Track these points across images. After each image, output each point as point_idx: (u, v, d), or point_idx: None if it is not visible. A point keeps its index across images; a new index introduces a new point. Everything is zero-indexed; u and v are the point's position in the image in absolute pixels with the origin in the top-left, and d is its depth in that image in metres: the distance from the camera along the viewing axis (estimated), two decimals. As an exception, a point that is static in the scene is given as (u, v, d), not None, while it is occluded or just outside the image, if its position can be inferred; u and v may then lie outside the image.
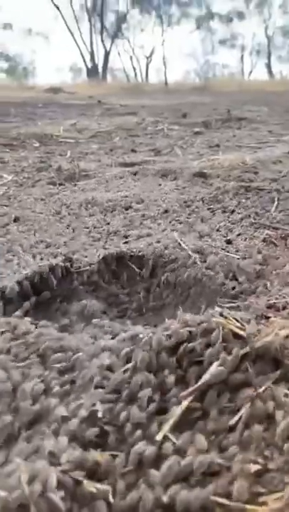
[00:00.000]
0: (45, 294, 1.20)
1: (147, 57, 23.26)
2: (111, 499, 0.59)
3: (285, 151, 3.23)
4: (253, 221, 1.74)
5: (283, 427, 0.69)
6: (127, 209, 1.95)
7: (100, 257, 1.35)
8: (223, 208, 1.94)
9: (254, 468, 0.62)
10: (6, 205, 2.04)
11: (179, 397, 0.76)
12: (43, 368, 0.84)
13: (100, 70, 20.99)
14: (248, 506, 0.56)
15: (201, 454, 0.65)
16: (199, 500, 0.58)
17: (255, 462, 0.64)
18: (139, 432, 0.70)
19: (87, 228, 1.70)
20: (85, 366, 0.84)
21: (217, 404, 0.76)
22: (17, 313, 1.11)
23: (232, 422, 0.71)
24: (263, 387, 0.76)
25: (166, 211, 1.89)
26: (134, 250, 1.40)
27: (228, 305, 1.08)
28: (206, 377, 0.79)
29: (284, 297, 1.05)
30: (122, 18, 22.67)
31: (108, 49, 21.54)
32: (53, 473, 0.57)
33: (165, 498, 0.58)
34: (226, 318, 0.91)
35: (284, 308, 1.02)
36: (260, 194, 2.12)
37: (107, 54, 21.36)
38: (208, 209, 1.93)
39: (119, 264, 1.38)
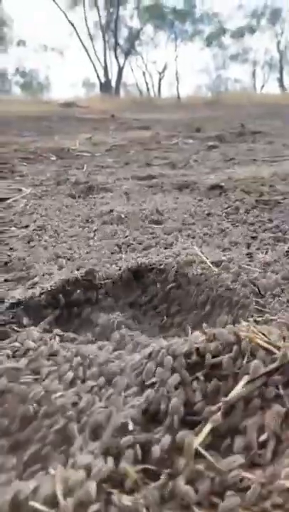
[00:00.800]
0: (68, 306, 1.21)
1: (160, 73, 23.60)
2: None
3: (301, 165, 3.24)
4: (273, 235, 1.73)
5: (316, 444, 0.68)
6: (145, 222, 1.96)
7: (121, 270, 1.36)
8: (241, 221, 1.95)
9: (288, 484, 0.61)
10: (26, 218, 2.07)
11: (208, 413, 0.75)
12: (73, 381, 0.85)
13: (113, 84, 21.36)
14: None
15: (233, 470, 0.65)
16: (234, 517, 0.57)
17: (290, 479, 0.63)
18: (170, 447, 0.69)
19: (108, 241, 1.71)
20: (114, 382, 0.84)
21: (247, 419, 0.75)
22: (41, 324, 1.12)
23: (263, 437, 0.71)
24: (294, 403, 0.76)
25: (184, 224, 1.90)
26: (155, 263, 1.41)
27: (252, 318, 1.07)
28: (234, 392, 0.79)
29: (310, 311, 1.04)
30: (135, 35, 23.13)
31: (122, 64, 21.96)
32: (91, 485, 0.57)
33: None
34: (253, 332, 0.91)
35: (310, 322, 1.01)
36: (278, 208, 2.11)
37: (120, 69, 21.76)
38: (227, 222, 1.93)
39: (140, 277, 1.38)
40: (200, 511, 0.58)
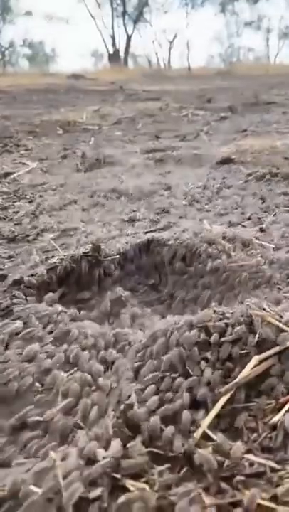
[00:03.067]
0: (73, 282, 1.18)
1: (170, 42, 22.80)
2: (148, 497, 0.57)
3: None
4: (286, 208, 1.67)
5: None
6: (153, 197, 1.90)
7: (129, 246, 1.32)
8: (253, 194, 1.88)
9: (300, 470, 0.59)
10: (32, 193, 2.03)
11: (218, 393, 0.72)
12: (80, 360, 0.82)
13: (122, 55, 20.73)
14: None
15: (242, 454, 0.62)
16: (244, 501, 0.55)
17: (302, 464, 0.60)
18: (176, 429, 0.67)
19: (115, 216, 1.66)
20: (119, 361, 0.81)
21: (257, 400, 0.72)
22: (45, 301, 1.09)
23: (275, 419, 0.68)
24: (307, 384, 0.72)
25: (194, 199, 1.84)
26: (164, 239, 1.36)
27: (264, 296, 1.03)
28: (244, 372, 0.75)
29: None
30: (144, 1, 22.23)
31: (130, 33, 21.23)
32: (88, 471, 0.55)
33: (208, 501, 0.55)
34: (264, 309, 0.87)
35: None
36: (291, 180, 2.03)
37: (128, 38, 21.05)
38: (238, 196, 1.87)
39: (148, 253, 1.34)
40: (207, 497, 0.55)
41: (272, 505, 0.55)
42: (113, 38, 20.89)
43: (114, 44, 20.78)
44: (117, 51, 20.37)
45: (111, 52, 20.52)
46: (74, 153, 2.85)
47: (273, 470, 0.59)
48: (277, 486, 0.57)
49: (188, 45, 26.11)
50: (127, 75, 14.99)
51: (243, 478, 0.59)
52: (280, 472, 0.59)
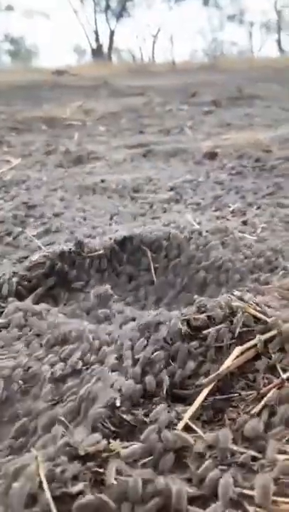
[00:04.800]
0: (57, 279, 1.17)
1: (154, 36, 22.69)
2: (130, 490, 0.57)
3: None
4: (269, 201, 1.68)
5: (310, 415, 0.65)
6: (137, 191, 1.90)
7: (112, 241, 1.32)
8: (236, 188, 1.89)
9: (282, 458, 0.59)
10: (15, 190, 2.01)
11: (200, 385, 0.73)
12: (57, 354, 0.82)
13: (105, 50, 20.57)
14: (278, 499, 0.54)
15: (225, 444, 0.62)
16: (227, 492, 0.55)
17: (283, 452, 0.61)
18: (159, 421, 0.67)
19: (99, 211, 1.66)
20: (101, 354, 0.81)
21: (239, 391, 0.73)
22: (29, 298, 1.09)
23: (256, 410, 0.68)
24: (287, 373, 0.73)
25: (178, 193, 1.84)
26: (147, 233, 1.36)
27: (246, 288, 1.04)
28: (226, 363, 0.76)
29: (305, 279, 1.01)
30: (127, -5, 22.07)
31: (113, 28, 21.07)
32: (70, 466, 0.55)
33: (190, 490, 0.55)
34: (246, 302, 0.88)
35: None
36: (274, 173, 2.05)
37: (111, 33, 20.89)
38: (222, 189, 1.87)
39: (132, 248, 1.34)
40: (191, 488, 0.56)
41: (254, 493, 0.56)
42: (96, 33, 20.71)
43: (97, 39, 20.61)
44: (100, 46, 20.20)
45: (94, 47, 20.34)
46: (58, 150, 2.83)
47: (254, 459, 0.60)
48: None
49: (172, 39, 25.98)
50: (111, 70, 14.88)
51: (225, 467, 0.59)
52: (260, 461, 0.59)
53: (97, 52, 19.90)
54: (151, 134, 3.38)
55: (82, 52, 25.29)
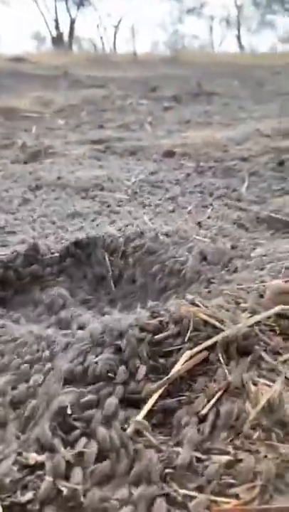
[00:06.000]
0: (11, 282, 1.16)
1: (115, 27, 22.41)
2: (81, 498, 0.58)
3: (255, 128, 3.22)
4: (224, 202, 1.73)
5: (253, 416, 0.69)
6: (95, 190, 1.90)
7: (68, 243, 1.32)
8: (193, 188, 1.93)
9: (224, 458, 0.63)
10: None
11: (150, 390, 0.75)
12: (8, 361, 0.82)
13: (66, 39, 20.09)
14: (219, 499, 0.57)
15: (172, 447, 0.65)
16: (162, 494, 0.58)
17: (226, 452, 0.64)
18: (109, 427, 0.69)
19: (56, 211, 1.64)
20: (53, 359, 0.82)
21: (188, 394, 0.76)
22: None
23: (202, 412, 0.72)
24: (234, 376, 0.77)
25: (135, 193, 1.86)
26: (104, 235, 1.37)
27: (199, 291, 1.07)
28: (176, 367, 0.79)
29: (255, 283, 1.06)
30: (87, -17, 21.60)
31: (74, 17, 20.60)
32: (20, 475, 0.56)
33: (135, 494, 0.58)
34: (196, 306, 0.91)
35: (254, 294, 1.02)
36: (230, 174, 2.11)
37: (72, 22, 20.43)
38: (179, 189, 1.91)
39: (89, 250, 1.34)
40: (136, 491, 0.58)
41: (196, 494, 0.59)
42: (56, 21, 20.17)
43: (57, 27, 20.08)
44: (60, 34, 19.70)
45: (54, 35, 19.81)
46: (14, 143, 2.76)
47: (199, 460, 0.63)
48: (202, 475, 0.61)
49: (133, 30, 25.81)
50: (72, 58, 14.58)
51: (171, 470, 0.62)
52: (205, 462, 0.63)
53: (57, 40, 19.40)
54: (111, 129, 3.37)
55: (42, 40, 24.59)
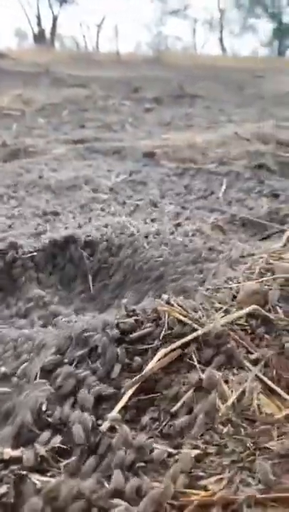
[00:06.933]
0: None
1: (98, 25, 22.33)
2: (54, 492, 0.60)
3: (233, 131, 3.28)
4: (202, 205, 1.76)
5: (223, 412, 0.72)
6: (75, 190, 1.90)
7: (48, 242, 1.32)
8: (172, 190, 1.95)
9: (194, 452, 0.65)
10: None
11: (124, 387, 0.77)
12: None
13: (48, 36, 19.88)
14: (188, 490, 0.59)
15: (145, 442, 0.67)
16: (142, 487, 0.60)
17: (196, 447, 0.67)
18: (84, 423, 0.70)
19: (35, 211, 1.65)
20: (29, 358, 0.83)
21: (161, 391, 0.78)
22: None
23: (175, 408, 0.74)
24: (206, 373, 0.79)
25: (116, 193, 1.87)
26: (83, 235, 1.38)
27: (174, 291, 1.10)
28: (150, 365, 0.81)
29: (228, 283, 1.09)
30: (71, -20, 21.44)
31: (56, 13, 20.42)
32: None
33: (109, 485, 0.60)
34: (171, 305, 0.93)
35: (227, 294, 1.05)
36: (208, 177, 2.14)
37: (54, 19, 20.25)
38: (158, 191, 1.93)
39: (67, 249, 1.35)
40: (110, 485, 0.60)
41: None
42: (38, 17, 19.94)
43: (39, 24, 19.85)
44: (42, 31, 19.48)
45: (36, 32, 19.59)
46: (-6, 141, 2.74)
47: (170, 455, 0.66)
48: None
49: (116, 29, 25.78)
50: (54, 56, 14.45)
51: (143, 464, 0.64)
52: (175, 456, 0.65)
53: (39, 37, 19.18)
54: (92, 129, 3.37)
55: (24, 36, 24.27)
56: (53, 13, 19.97)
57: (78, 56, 14.84)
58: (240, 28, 24.18)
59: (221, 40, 24.79)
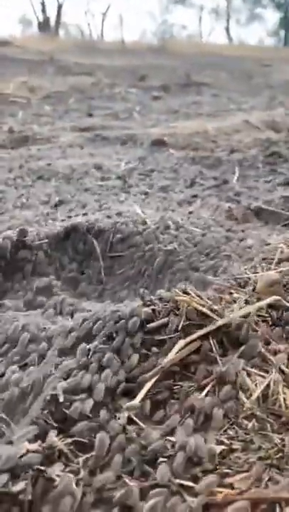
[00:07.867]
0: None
1: (103, 14, 22.04)
2: (74, 487, 0.57)
3: (244, 119, 3.22)
4: (214, 193, 1.72)
5: (247, 406, 0.69)
6: (84, 178, 1.86)
7: (57, 230, 1.29)
8: (183, 178, 1.91)
9: (219, 449, 0.63)
10: None
11: (143, 379, 0.74)
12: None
13: (52, 23, 19.66)
14: (214, 489, 0.56)
15: (164, 437, 0.65)
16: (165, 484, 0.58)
17: (220, 443, 0.64)
18: (102, 415, 0.67)
19: (44, 198, 1.61)
20: (43, 349, 0.80)
21: (181, 383, 0.75)
22: None
23: (196, 402, 0.71)
24: (227, 366, 0.76)
25: (126, 181, 1.83)
26: (93, 223, 1.34)
27: (191, 280, 1.06)
28: (169, 357, 0.78)
29: (246, 273, 1.05)
30: None
31: (61, 1, 20.16)
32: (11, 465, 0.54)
33: (129, 481, 0.57)
34: (189, 295, 0.90)
35: (245, 284, 1.01)
36: (220, 165, 2.10)
37: (59, 7, 20.00)
38: (169, 179, 1.89)
39: (77, 237, 1.31)
40: (131, 482, 0.57)
41: (192, 484, 0.58)
42: (43, 5, 19.72)
43: (44, 11, 19.63)
44: (47, 19, 19.27)
45: (41, 20, 19.38)
46: (0, 128, 2.69)
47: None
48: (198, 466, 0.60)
49: (121, 17, 25.42)
50: (58, 44, 14.29)
51: (165, 460, 0.61)
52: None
53: (43, 25, 18.98)
54: (100, 117, 3.32)
55: (28, 24, 24.03)
56: (58, 0, 19.74)
57: (83, 44, 14.67)
58: (247, 18, 23.84)
59: (227, 29, 24.46)
